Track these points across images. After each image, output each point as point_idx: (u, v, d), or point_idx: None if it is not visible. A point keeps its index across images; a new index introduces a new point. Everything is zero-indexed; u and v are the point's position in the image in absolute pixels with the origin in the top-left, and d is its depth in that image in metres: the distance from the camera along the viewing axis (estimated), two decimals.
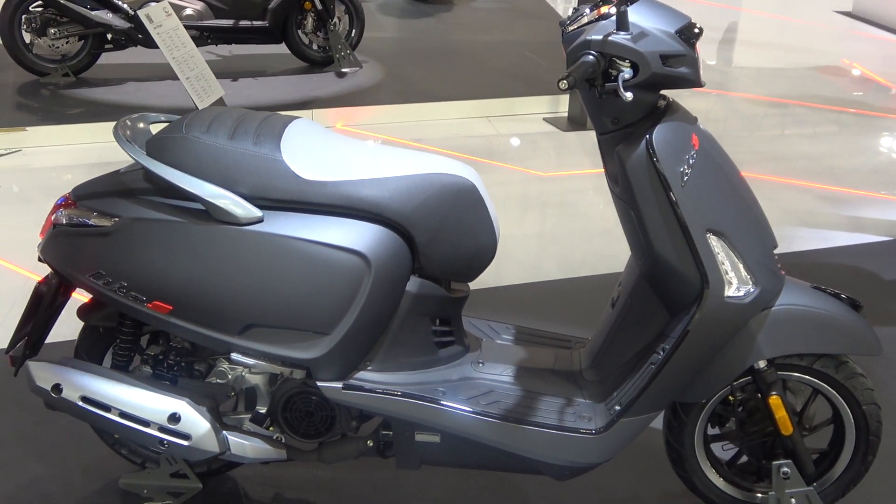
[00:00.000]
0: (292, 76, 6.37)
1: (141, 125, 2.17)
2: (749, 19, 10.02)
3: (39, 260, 2.18)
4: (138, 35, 5.84)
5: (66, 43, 5.91)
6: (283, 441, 2.22)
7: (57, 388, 2.12)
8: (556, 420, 2.12)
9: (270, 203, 2.03)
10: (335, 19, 6.42)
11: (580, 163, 5.21)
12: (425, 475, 2.46)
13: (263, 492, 2.46)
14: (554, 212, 4.55)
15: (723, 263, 2.00)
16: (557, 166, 5.10)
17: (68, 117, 5.34)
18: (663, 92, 2.04)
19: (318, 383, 2.09)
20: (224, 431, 2.14)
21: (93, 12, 5.68)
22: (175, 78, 6.10)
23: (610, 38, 1.87)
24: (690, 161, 1.96)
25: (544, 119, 5.89)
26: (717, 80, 7.01)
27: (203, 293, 2.03)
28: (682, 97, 6.87)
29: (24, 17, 5.75)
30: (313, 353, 2.05)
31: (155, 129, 2.19)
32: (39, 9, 5.75)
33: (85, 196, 2.13)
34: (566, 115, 5.84)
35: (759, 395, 2.15)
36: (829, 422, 2.26)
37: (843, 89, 6.91)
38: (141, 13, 2.70)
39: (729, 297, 2.00)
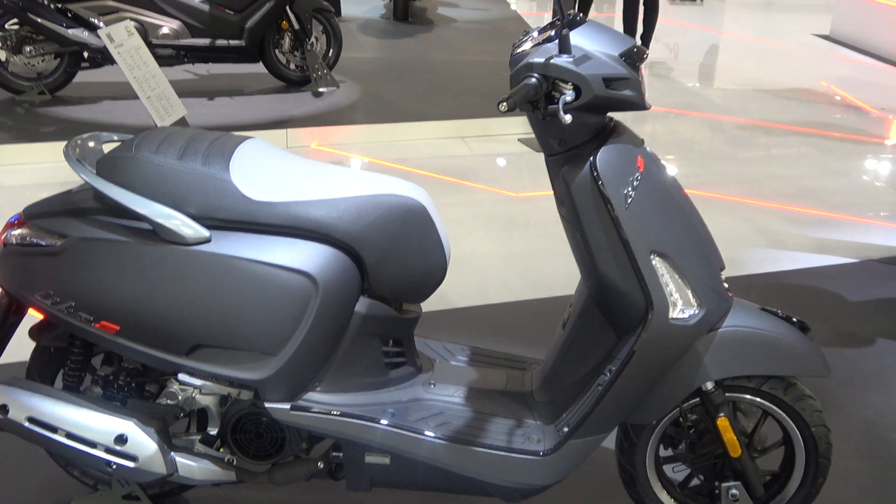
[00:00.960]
0: (269, 95, 6.38)
1: (92, 144, 2.17)
2: (730, 42, 10.10)
3: None
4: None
5: (42, 61, 5.90)
6: (234, 462, 2.21)
7: (3, 408, 2.10)
8: (504, 441, 2.12)
9: (219, 223, 2.02)
10: (312, 39, 6.44)
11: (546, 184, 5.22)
12: (377, 497, 2.45)
13: None
14: (522, 232, 4.55)
15: (667, 285, 2.00)
16: (529, 187, 5.11)
17: (42, 135, 5.31)
18: (612, 114, 2.06)
19: (266, 404, 2.09)
20: (172, 453, 2.13)
21: (69, 30, 5.68)
22: None
23: (552, 60, 1.89)
24: (634, 183, 1.97)
25: (519, 140, 5.91)
26: (696, 103, 7.07)
27: (150, 313, 2.02)
28: (664, 119, 6.98)
29: None
30: (260, 373, 2.04)
31: (108, 148, 2.19)
32: (15, 26, 5.74)
33: (35, 215, 2.12)
34: None
35: (708, 416, 2.15)
36: (780, 444, 2.27)
37: (820, 112, 6.96)
38: (101, 32, 2.69)
39: (674, 318, 2.01)
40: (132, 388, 2.25)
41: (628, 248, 1.97)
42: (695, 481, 2.34)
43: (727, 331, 2.09)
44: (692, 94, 7.39)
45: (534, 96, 1.88)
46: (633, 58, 1.97)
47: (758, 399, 2.19)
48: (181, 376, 2.11)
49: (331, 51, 6.61)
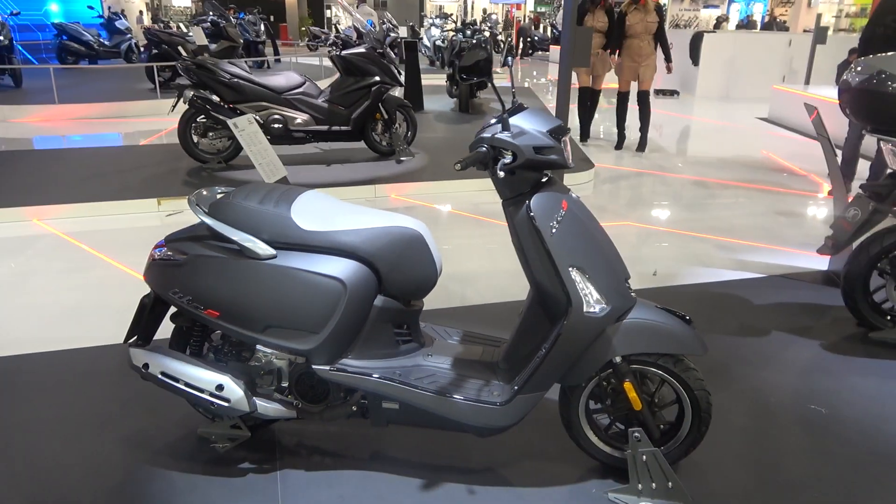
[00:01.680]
0: (366, 163, 6.49)
1: (206, 193, 2.27)
2: (697, 124, 9.85)
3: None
4: (266, 136, 6.09)
5: (220, 141, 6.15)
6: (298, 405, 2.26)
7: (146, 366, 2.21)
8: (474, 395, 2.12)
9: (283, 245, 2.09)
10: (397, 125, 6.55)
11: None
12: (393, 430, 2.47)
13: (292, 440, 2.49)
14: None
15: (582, 289, 1.98)
16: None
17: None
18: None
19: (314, 366, 2.14)
20: (254, 398, 2.20)
21: None
22: (290, 164, 6.36)
23: (496, 135, 1.90)
24: (559, 218, 1.97)
25: None
26: (665, 166, 6.91)
27: (237, 304, 2.10)
28: (640, 177, 6.73)
29: (192, 125, 6.03)
30: (309, 345, 2.10)
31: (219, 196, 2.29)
32: (203, 120, 6.02)
33: (172, 240, 2.23)
34: None
35: (618, 381, 2.11)
36: (674, 402, 2.21)
37: (757, 172, 6.73)
38: (229, 122, 2.83)
39: (587, 312, 1.98)
40: (232, 354, 2.32)
41: (553, 264, 1.96)
42: (614, 428, 2.29)
43: (630, 321, 2.05)
44: (664, 160, 7.22)
45: (483, 160, 1.90)
46: (558, 133, 1.97)
47: (655, 370, 2.14)
48: (259, 347, 2.17)
49: (409, 132, 6.68)
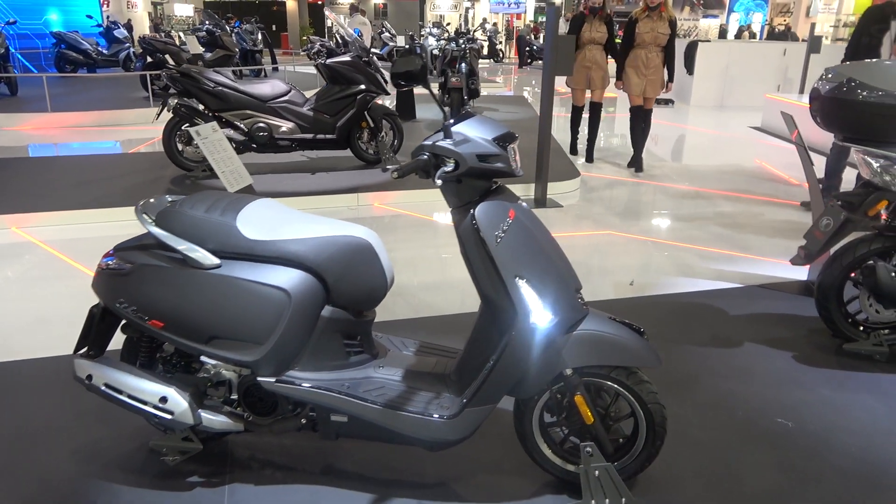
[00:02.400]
0: (352, 171, 6.45)
1: (153, 201, 2.23)
2: (691, 133, 9.82)
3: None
4: (252, 145, 6.08)
5: None
6: (249, 418, 2.22)
7: (89, 377, 2.17)
8: (422, 408, 2.07)
9: (228, 255, 2.05)
10: (383, 133, 6.53)
11: None
12: (346, 443, 2.42)
13: (245, 453, 2.44)
14: None
15: (529, 300, 1.94)
16: None
17: None
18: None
19: (258, 378, 2.09)
20: (199, 410, 2.15)
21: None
22: (276, 172, 6.32)
23: (437, 143, 1.87)
24: (504, 228, 1.93)
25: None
26: (657, 175, 6.87)
27: (181, 314, 2.06)
28: (633, 185, 6.63)
29: (177, 133, 6.00)
30: (253, 356, 2.06)
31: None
32: (188, 128, 5.99)
33: (120, 249, 2.20)
34: (533, 197, 5.78)
35: (569, 394, 2.07)
36: (630, 415, 2.16)
37: (747, 181, 6.69)
38: (191, 130, 2.79)
39: (534, 323, 1.94)
40: (182, 366, 2.28)
41: (499, 274, 1.92)
42: (569, 442, 2.24)
43: (580, 332, 2.01)
44: (655, 169, 7.17)
45: (424, 167, 1.86)
46: (505, 140, 1.94)
47: (608, 383, 2.09)
48: (203, 358, 2.13)
49: (395, 141, 6.65)
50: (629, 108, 6.84)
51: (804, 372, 3.03)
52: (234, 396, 2.21)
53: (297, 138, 6.19)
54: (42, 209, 5.11)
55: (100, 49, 15.08)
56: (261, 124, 6.02)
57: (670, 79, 6.64)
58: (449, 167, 1.86)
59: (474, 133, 1.92)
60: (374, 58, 6.50)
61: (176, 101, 5.82)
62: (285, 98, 6.17)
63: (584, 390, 2.06)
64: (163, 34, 13.69)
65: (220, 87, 5.90)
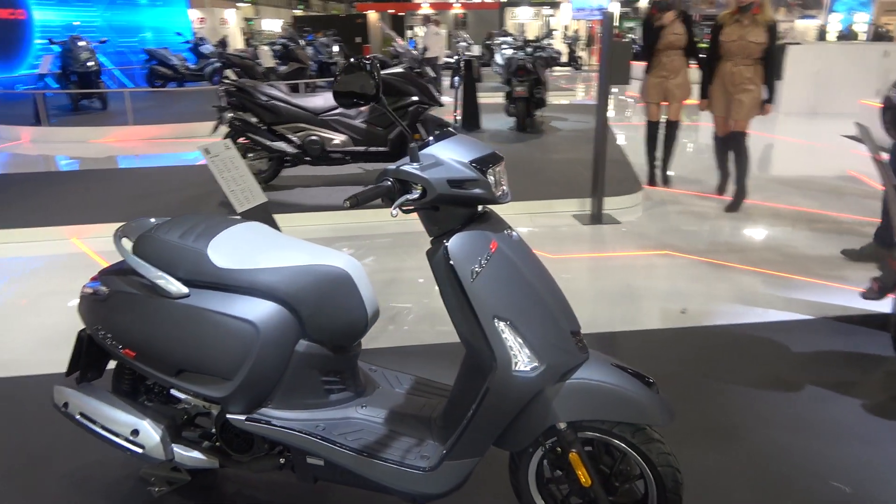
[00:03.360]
0: None
1: (134, 224, 2.14)
2: (778, 143, 9.16)
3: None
4: (305, 157, 6.08)
5: (259, 162, 6.18)
6: (227, 454, 2.10)
7: (66, 405, 2.11)
8: (399, 457, 1.88)
9: (198, 283, 1.94)
10: None
11: (582, 248, 4.82)
12: (334, 486, 2.25)
13: (232, 488, 2.32)
14: None
15: (509, 345, 1.70)
16: (564, 250, 4.74)
17: None
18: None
19: (227, 415, 1.96)
20: (173, 444, 2.04)
21: (273, 143, 5.94)
22: (329, 185, 6.30)
23: (401, 167, 1.67)
24: (483, 262, 1.70)
25: (573, 216, 5.54)
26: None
27: (150, 344, 1.96)
28: (707, 202, 6.17)
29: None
30: (221, 392, 1.93)
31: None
32: (244, 142, 6.06)
33: (103, 273, 2.13)
34: (589, 212, 5.47)
35: (562, 451, 1.81)
36: (639, 477, 1.88)
37: (836, 196, 6.09)
38: (199, 146, 2.74)
39: (516, 371, 1.71)
40: (162, 397, 2.19)
41: (474, 313, 1.70)
42: (572, 502, 1.97)
43: (575, 382, 1.75)
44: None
45: (385, 194, 1.67)
46: (485, 163, 1.72)
47: (610, 440, 1.82)
48: (172, 391, 2.03)
49: None
50: (712, 136, 5.79)
51: (871, 425, 2.62)
52: (213, 430, 2.09)
53: (350, 151, 6.14)
54: (100, 220, 5.27)
55: (187, 64, 15.79)
56: (313, 137, 6.01)
57: (769, 98, 5.25)
58: (414, 194, 1.66)
59: (448, 155, 1.71)
60: (429, 68, 6.37)
61: (230, 114, 5.90)
62: (338, 110, 6.13)
63: (584, 447, 1.80)
64: (252, 48, 14.14)
65: (273, 101, 5.93)
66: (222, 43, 17.55)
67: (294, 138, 6.00)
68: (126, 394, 2.22)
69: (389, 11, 31.49)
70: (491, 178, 1.71)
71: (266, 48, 11.73)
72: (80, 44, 11.66)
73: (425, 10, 30.25)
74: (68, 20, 15.88)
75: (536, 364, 1.71)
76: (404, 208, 1.68)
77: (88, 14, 17.03)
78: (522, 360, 1.71)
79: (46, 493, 2.29)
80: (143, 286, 1.98)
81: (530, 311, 1.73)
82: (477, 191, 1.69)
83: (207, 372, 1.93)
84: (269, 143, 5.94)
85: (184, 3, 21.32)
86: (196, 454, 2.05)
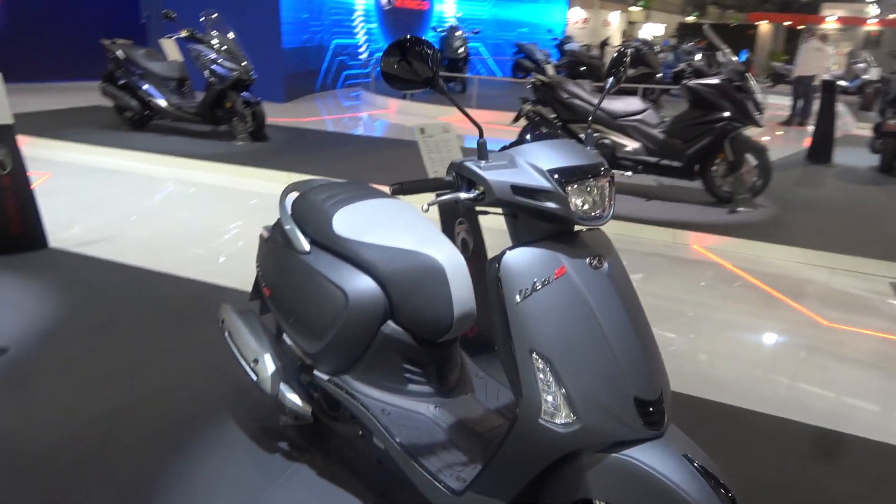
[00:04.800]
0: (689, 205, 5.77)
1: (302, 182, 2.35)
2: None
3: None
4: None
5: None
6: (321, 405, 2.20)
7: (222, 322, 2.45)
8: (437, 469, 1.77)
9: (320, 244, 2.07)
10: (743, 169, 5.61)
11: (882, 325, 3.78)
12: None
13: (330, 445, 2.43)
14: (803, 355, 3.43)
15: (542, 386, 1.45)
16: (845, 321, 3.79)
17: None
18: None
19: (314, 371, 2.07)
20: (282, 383, 2.21)
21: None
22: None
23: (465, 162, 1.52)
24: (538, 284, 1.47)
25: (890, 283, 4.38)
26: None
27: (277, 289, 2.17)
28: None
29: (527, 140, 6.25)
30: (313, 348, 2.04)
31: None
32: (539, 133, 6.15)
33: (277, 221, 2.41)
34: None
35: None
36: None
37: None
38: (415, 126, 2.81)
39: (543, 419, 1.46)
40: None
41: (509, 340, 1.49)
42: None
43: (621, 459, 1.43)
44: None
45: (438, 187, 1.54)
46: (569, 174, 1.47)
47: None
48: (283, 336, 2.20)
49: (758, 181, 5.65)
50: None
51: None
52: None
53: (641, 160, 5.81)
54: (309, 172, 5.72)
55: (550, 60, 16.59)
56: (605, 141, 5.83)
57: None
58: (472, 193, 1.50)
59: (527, 158, 1.50)
60: (748, 83, 5.60)
61: (528, 107, 6.05)
62: (638, 117, 5.83)
63: None
64: (600, 50, 14.26)
65: (573, 99, 5.90)
66: (604, 44, 17.94)
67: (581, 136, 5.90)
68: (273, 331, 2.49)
69: (786, 24, 28.44)
70: (573, 194, 1.46)
71: (614, 50, 11.64)
72: (457, 33, 13.13)
73: (830, 23, 26.57)
74: (461, 12, 17.99)
75: (570, 420, 1.43)
76: (478, 208, 1.54)
77: (478, 8, 19.03)
78: (554, 409, 1.45)
79: (216, 396, 2.70)
80: (284, 236, 2.19)
81: (583, 358, 1.44)
82: (549, 204, 1.47)
83: (307, 327, 2.06)
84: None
85: (564, 2, 22.33)
86: (295, 398, 2.21)
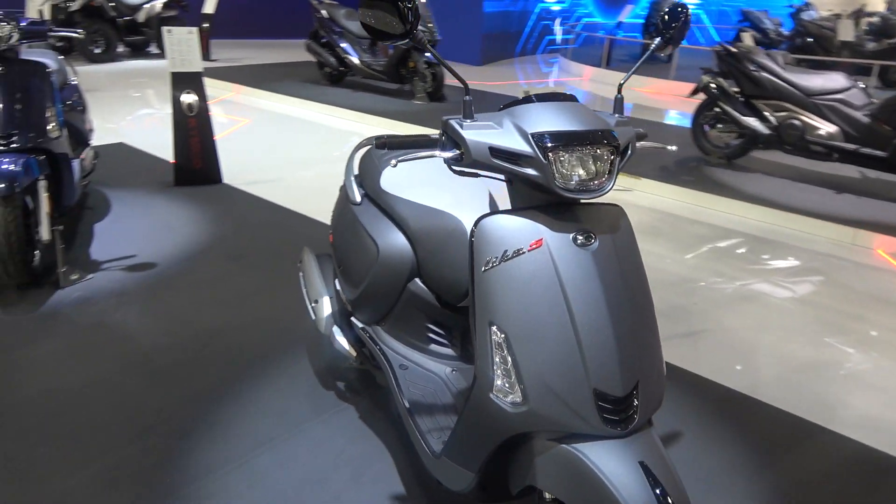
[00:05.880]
0: (886, 202, 4.91)
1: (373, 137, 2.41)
2: None
3: None
4: (779, 142, 5.29)
5: (727, 136, 5.66)
6: (366, 352, 2.26)
7: (300, 262, 2.63)
8: (427, 429, 1.79)
9: (370, 197, 2.14)
10: None
11: None
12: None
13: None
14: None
15: (498, 361, 1.38)
16: None
17: (683, 182, 5.21)
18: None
19: (352, 318, 2.16)
20: (335, 325, 2.33)
21: (743, 118, 5.35)
22: (806, 181, 5.39)
23: (450, 120, 1.45)
24: (510, 254, 1.39)
25: None
26: None
27: (336, 236, 2.28)
28: None
29: (705, 114, 5.73)
30: (350, 295, 2.14)
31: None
32: (716, 110, 5.62)
33: None
34: None
35: None
36: None
37: None
38: (523, 90, 2.66)
39: (495, 395, 1.40)
40: None
41: (473, 305, 1.43)
42: None
43: (568, 451, 1.35)
44: None
45: (421, 145, 1.50)
46: (558, 139, 1.36)
47: None
48: (336, 281, 2.30)
49: None
50: None
51: None
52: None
53: (836, 146, 5.05)
54: None
55: (780, 30, 14.82)
56: (794, 121, 5.15)
57: None
58: (452, 153, 1.43)
59: (517, 119, 1.39)
60: None
61: (708, 79, 5.52)
62: (839, 95, 5.05)
63: None
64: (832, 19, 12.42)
65: (762, 73, 5.26)
66: (859, 13, 15.62)
67: (772, 118, 5.26)
68: None
69: None
70: (558, 162, 1.35)
71: (848, 20, 10.07)
72: None
73: None
74: None
75: (518, 401, 1.35)
76: (457, 168, 1.47)
77: None
78: (507, 386, 1.37)
79: (301, 331, 2.93)
80: (344, 187, 2.28)
81: (542, 339, 1.34)
82: (529, 171, 1.37)
83: (348, 275, 2.14)
84: (739, 116, 5.37)
85: None
86: (343, 342, 2.31)
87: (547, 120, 1.39)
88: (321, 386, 2.53)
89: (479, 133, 1.40)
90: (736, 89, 5.46)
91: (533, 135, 1.37)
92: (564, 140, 1.35)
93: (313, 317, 2.39)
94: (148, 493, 1.98)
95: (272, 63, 10.58)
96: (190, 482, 2.03)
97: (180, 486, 2.01)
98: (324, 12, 8.27)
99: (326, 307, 2.34)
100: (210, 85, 8.60)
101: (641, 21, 13.13)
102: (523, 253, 1.39)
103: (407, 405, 1.85)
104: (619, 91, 1.59)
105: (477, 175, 1.50)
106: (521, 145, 1.37)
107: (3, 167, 2.94)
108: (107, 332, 2.82)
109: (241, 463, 2.12)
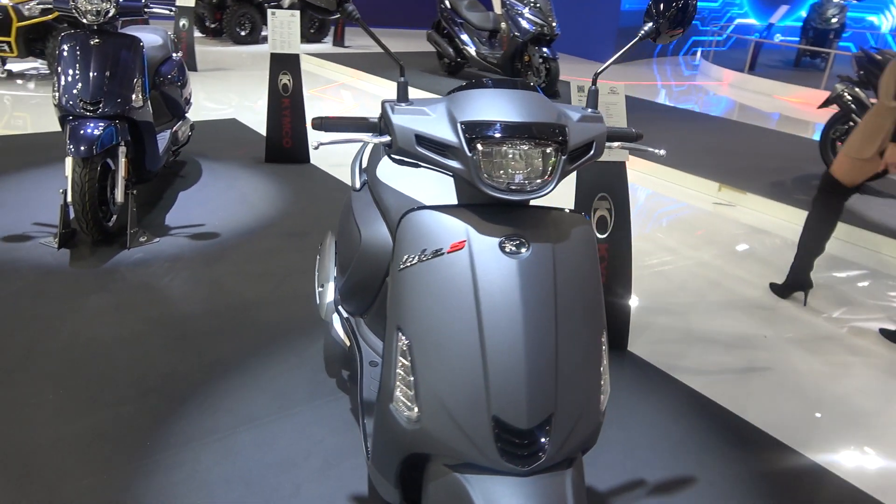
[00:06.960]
0: None
1: None
2: None
3: None
4: None
5: None
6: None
7: (320, 246, 2.59)
8: (369, 432, 1.67)
9: (370, 184, 2.06)
10: None
11: None
12: None
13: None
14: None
15: (400, 372, 1.25)
16: None
17: (796, 201, 4.65)
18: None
19: (337, 306, 2.09)
20: (334, 312, 2.29)
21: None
22: None
23: (385, 103, 1.32)
24: (427, 255, 1.25)
25: None
26: None
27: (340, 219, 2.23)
28: None
29: (834, 129, 5.10)
30: (339, 283, 2.08)
31: None
32: (851, 124, 4.97)
33: None
34: None
35: None
36: None
37: None
38: (612, 89, 2.39)
39: (394, 407, 1.27)
40: None
41: (388, 305, 1.31)
42: None
43: (457, 481, 1.21)
44: None
45: (360, 128, 1.38)
46: (489, 128, 1.20)
47: None
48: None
49: None
50: None
51: None
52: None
53: None
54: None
55: None
56: None
57: None
58: (382, 138, 1.30)
59: (453, 105, 1.24)
60: None
61: (843, 88, 4.88)
62: None
63: None
64: None
65: None
66: None
67: None
68: None
69: None
70: (486, 156, 1.18)
71: None
72: (835, 0, 11.07)
73: None
74: None
75: (414, 418, 1.21)
76: (393, 156, 1.34)
77: None
78: (406, 399, 1.24)
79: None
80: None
81: (446, 353, 1.18)
82: (453, 163, 1.21)
83: (339, 263, 2.08)
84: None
85: None
86: (339, 327, 2.25)
87: (486, 108, 1.23)
88: (324, 372, 2.50)
89: (409, 119, 1.27)
90: (874, 101, 4.79)
91: (462, 123, 1.21)
92: (499, 132, 1.19)
93: (317, 301, 2.35)
94: (121, 454, 2.03)
95: (397, 52, 10.78)
96: (165, 448, 2.06)
97: (155, 452, 2.05)
98: (447, 2, 8.27)
99: (329, 293, 2.29)
100: (333, 70, 8.94)
101: (799, 24, 11.97)
102: (442, 254, 1.24)
103: (363, 403, 1.76)
104: (594, 82, 1.39)
105: (417, 165, 1.36)
106: (447, 134, 1.23)
107: (87, 131, 3.17)
108: (151, 294, 2.97)
109: (221, 437, 2.13)
